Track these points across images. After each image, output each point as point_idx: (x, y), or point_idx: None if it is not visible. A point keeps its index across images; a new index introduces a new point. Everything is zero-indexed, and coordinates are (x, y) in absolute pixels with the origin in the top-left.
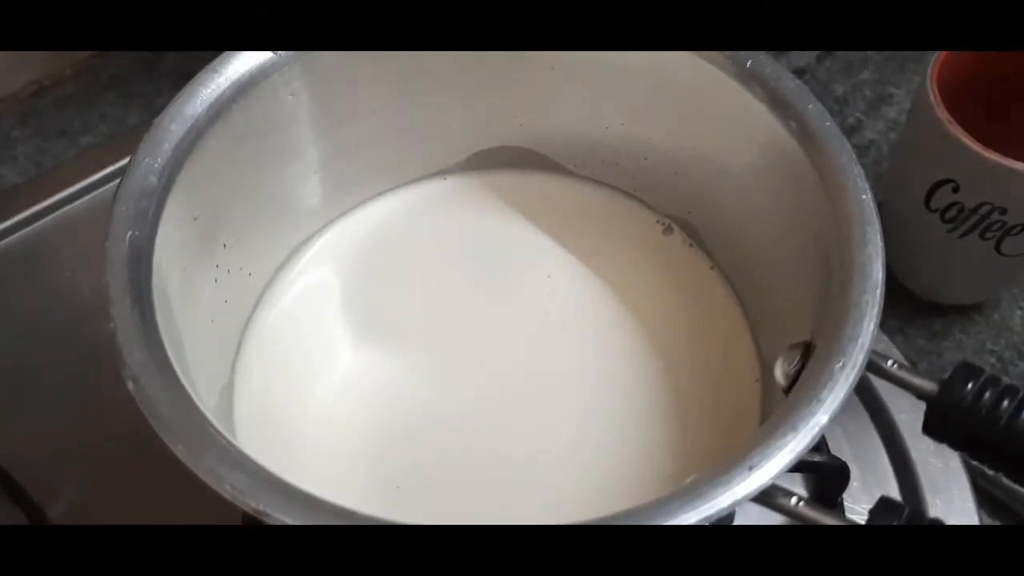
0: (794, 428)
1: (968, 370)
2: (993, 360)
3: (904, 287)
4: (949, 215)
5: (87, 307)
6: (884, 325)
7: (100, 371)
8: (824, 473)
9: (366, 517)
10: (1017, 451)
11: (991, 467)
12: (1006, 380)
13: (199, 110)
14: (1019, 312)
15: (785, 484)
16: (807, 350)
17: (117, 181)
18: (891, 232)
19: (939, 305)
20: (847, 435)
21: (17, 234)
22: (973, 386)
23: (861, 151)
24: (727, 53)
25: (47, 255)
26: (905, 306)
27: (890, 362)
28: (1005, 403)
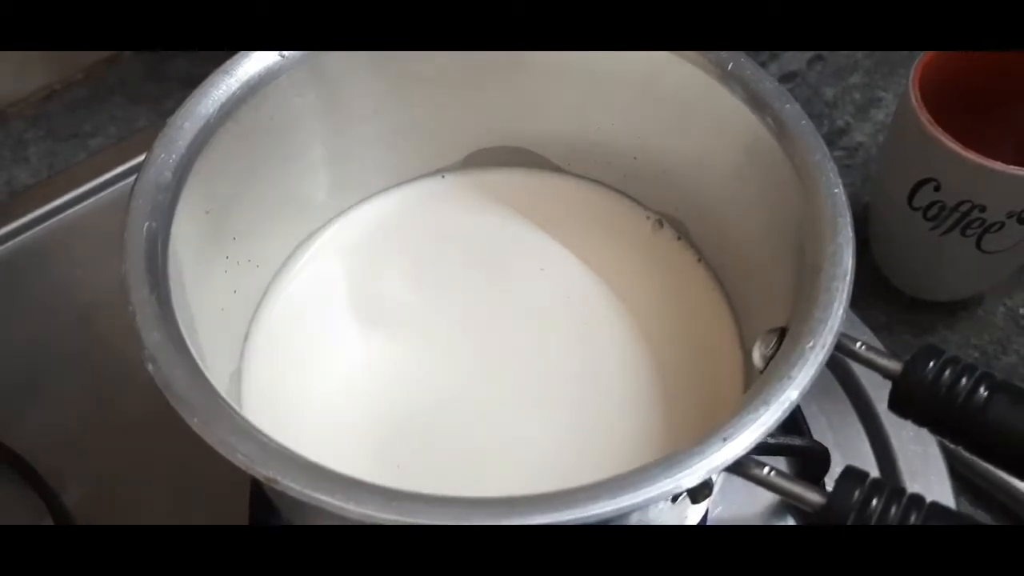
0: (766, 403)
1: (930, 351)
2: (977, 355)
3: (891, 284)
4: (931, 213)
5: (98, 302)
6: (871, 320)
7: (112, 362)
8: (806, 457)
9: (369, 484)
10: (974, 427)
11: (952, 441)
12: (966, 360)
13: (211, 110)
14: (1002, 308)
15: None
16: (782, 335)
17: (126, 181)
18: (878, 231)
19: (925, 301)
20: (830, 423)
21: (30, 232)
22: (935, 365)
23: (850, 153)
24: (710, 57)
25: (59, 253)
26: (892, 302)
27: (859, 344)
28: (964, 381)
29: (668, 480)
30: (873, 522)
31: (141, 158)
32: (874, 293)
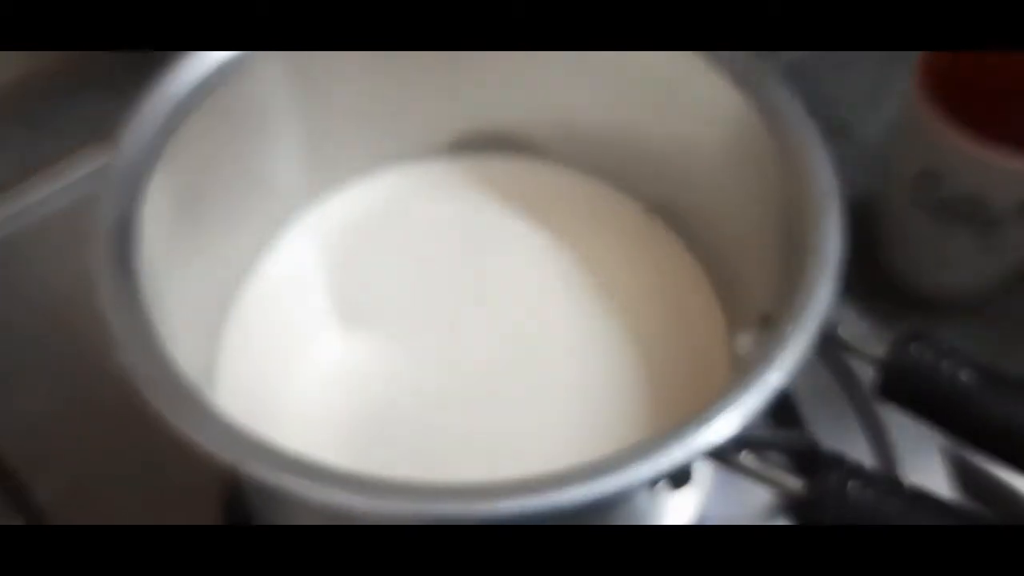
0: (746, 388)
1: (915, 336)
2: (981, 354)
3: (896, 281)
4: (934, 206)
5: (74, 298)
6: (874, 318)
7: (84, 358)
8: (797, 451)
9: (336, 470)
10: (959, 410)
11: (939, 426)
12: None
13: (185, 91)
14: (1008, 308)
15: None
16: (769, 321)
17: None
18: (882, 226)
19: (929, 299)
20: (829, 422)
21: (6, 229)
22: (918, 349)
23: (855, 147)
24: None
25: (35, 249)
26: (896, 300)
27: (841, 328)
28: (947, 364)
29: (646, 465)
30: (850, 504)
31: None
32: (878, 290)
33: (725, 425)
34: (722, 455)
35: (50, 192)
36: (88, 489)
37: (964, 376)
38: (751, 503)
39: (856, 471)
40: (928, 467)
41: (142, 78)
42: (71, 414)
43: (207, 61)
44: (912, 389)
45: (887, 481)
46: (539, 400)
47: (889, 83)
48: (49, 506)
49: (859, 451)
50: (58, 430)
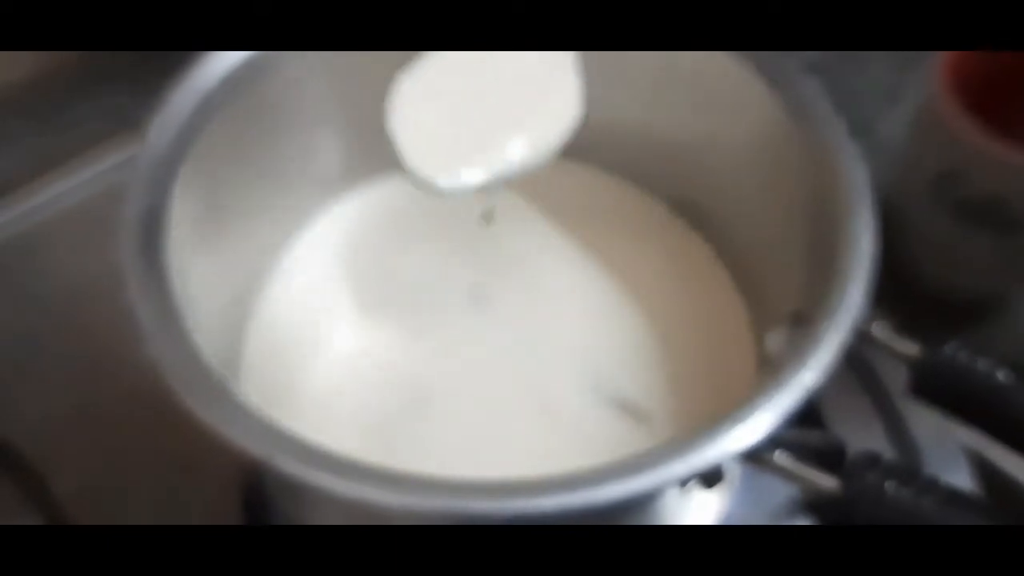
0: (780, 387)
1: (949, 335)
2: (1002, 355)
3: (914, 281)
4: (955, 206)
5: (92, 294)
6: (892, 319)
7: (102, 355)
8: (828, 450)
9: (370, 467)
10: (992, 408)
11: (972, 425)
12: None
13: (213, 84)
14: (1020, 310)
15: None
16: (799, 320)
17: (118, 171)
18: (900, 224)
19: (949, 300)
20: (852, 424)
21: (18, 225)
22: (953, 348)
23: (874, 145)
24: None
25: (48, 246)
26: (915, 301)
27: (875, 326)
28: (980, 363)
29: (680, 464)
30: (888, 503)
31: (134, 148)
32: (896, 291)
33: (760, 424)
34: (755, 454)
35: (65, 189)
36: (105, 488)
37: (1001, 376)
38: (772, 501)
39: (893, 470)
40: (952, 467)
41: (157, 74)
42: (88, 413)
43: (234, 55)
44: (947, 389)
45: (924, 480)
46: (560, 395)
47: (906, 82)
48: (67, 505)
49: (880, 450)
50: (76, 429)
